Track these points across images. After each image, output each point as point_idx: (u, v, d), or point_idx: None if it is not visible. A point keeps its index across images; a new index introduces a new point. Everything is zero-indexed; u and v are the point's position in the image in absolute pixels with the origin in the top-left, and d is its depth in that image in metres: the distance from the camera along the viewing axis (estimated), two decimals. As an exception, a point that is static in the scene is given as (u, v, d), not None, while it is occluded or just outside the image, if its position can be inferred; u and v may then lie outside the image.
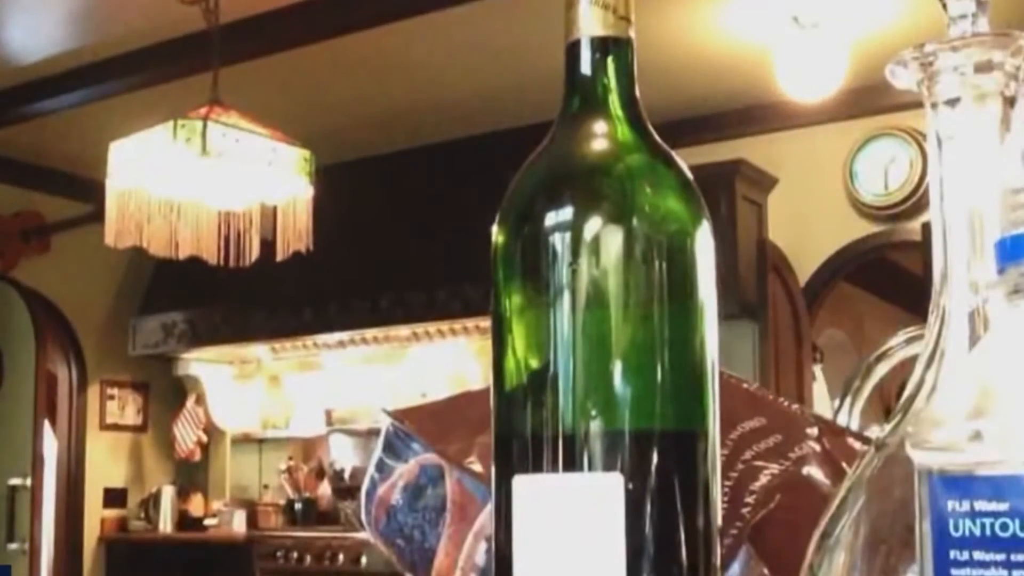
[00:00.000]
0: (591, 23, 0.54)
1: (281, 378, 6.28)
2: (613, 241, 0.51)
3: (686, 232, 0.53)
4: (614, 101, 0.55)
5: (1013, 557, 0.37)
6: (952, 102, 0.49)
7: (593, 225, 0.51)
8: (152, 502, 6.15)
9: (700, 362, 0.53)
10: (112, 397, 6.27)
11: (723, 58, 4.34)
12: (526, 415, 0.51)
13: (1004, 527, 0.38)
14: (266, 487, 6.20)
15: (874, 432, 0.51)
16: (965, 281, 0.48)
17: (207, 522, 6.07)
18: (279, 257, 3.62)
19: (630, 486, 0.49)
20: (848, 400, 1.05)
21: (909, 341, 0.99)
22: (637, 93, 0.55)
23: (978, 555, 0.38)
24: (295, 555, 5.22)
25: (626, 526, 0.48)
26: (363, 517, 0.74)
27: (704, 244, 0.53)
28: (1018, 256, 0.41)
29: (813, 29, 4.02)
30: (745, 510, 0.66)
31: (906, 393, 0.48)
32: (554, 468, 0.50)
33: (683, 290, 0.52)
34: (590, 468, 0.49)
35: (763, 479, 0.69)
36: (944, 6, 0.49)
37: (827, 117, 4.67)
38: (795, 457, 0.72)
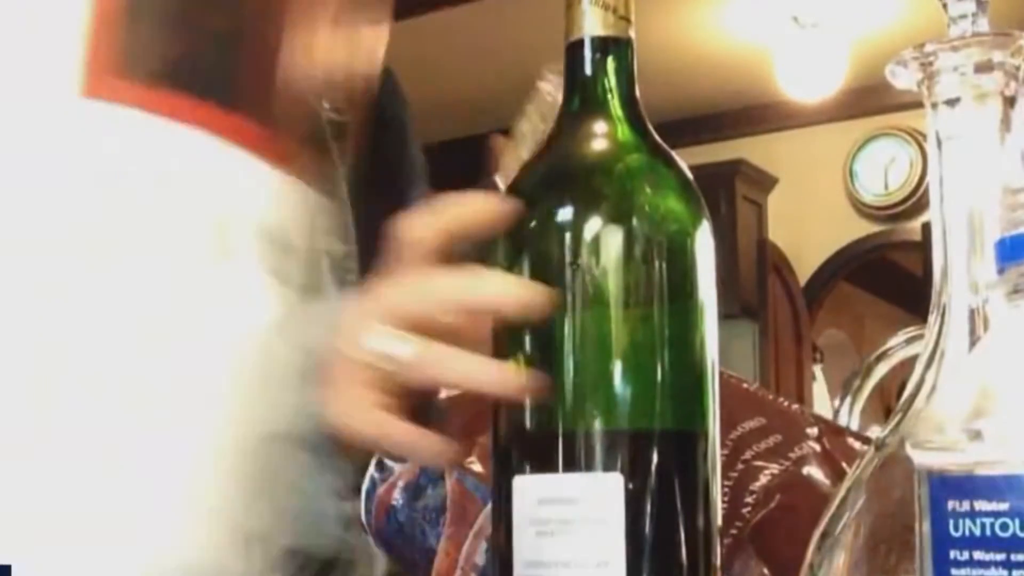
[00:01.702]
0: (592, 23, 0.54)
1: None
2: (613, 241, 0.51)
3: (686, 232, 0.53)
4: (614, 101, 0.55)
5: (1013, 557, 0.37)
6: (952, 102, 0.49)
7: (593, 225, 0.51)
8: (152, 502, 6.15)
9: (700, 362, 0.53)
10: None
11: (723, 58, 4.34)
12: (526, 415, 0.51)
13: (1004, 527, 0.38)
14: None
15: (874, 432, 0.51)
16: (965, 281, 0.48)
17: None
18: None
19: (630, 486, 0.49)
20: (848, 400, 1.05)
21: (909, 341, 0.99)
22: (637, 93, 0.55)
23: (978, 555, 0.38)
24: (295, 555, 5.22)
25: (626, 526, 0.48)
26: (363, 517, 0.74)
27: (704, 244, 0.53)
28: (1018, 256, 0.41)
29: (813, 29, 4.02)
30: (745, 510, 0.66)
31: (906, 393, 0.48)
32: (554, 468, 0.50)
33: (683, 290, 0.52)
34: (589, 468, 0.49)
35: (763, 479, 0.69)
36: (944, 6, 0.49)
37: (827, 117, 4.67)
38: (795, 457, 0.72)
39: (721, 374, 0.81)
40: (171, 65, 0.60)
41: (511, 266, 0.53)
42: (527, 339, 0.52)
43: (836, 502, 0.48)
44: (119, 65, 0.58)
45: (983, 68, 0.48)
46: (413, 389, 0.54)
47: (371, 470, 0.73)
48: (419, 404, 0.56)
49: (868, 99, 4.44)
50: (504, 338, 0.53)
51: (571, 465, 0.50)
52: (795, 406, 0.80)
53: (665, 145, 0.55)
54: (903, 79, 0.50)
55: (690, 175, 0.55)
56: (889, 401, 4.27)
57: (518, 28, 4.07)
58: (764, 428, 0.74)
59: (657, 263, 0.51)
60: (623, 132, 0.55)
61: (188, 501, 0.57)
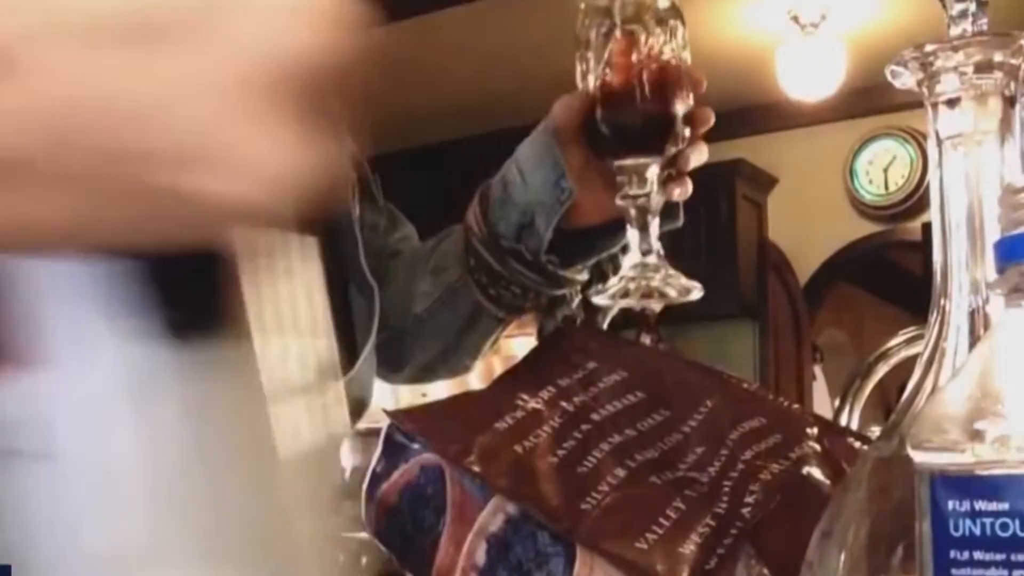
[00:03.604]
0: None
1: (281, 378, 6.27)
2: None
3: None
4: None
5: (1013, 557, 0.37)
6: (952, 102, 0.49)
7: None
8: (152, 502, 6.15)
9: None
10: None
11: (723, 58, 4.34)
12: None
13: (1004, 527, 0.38)
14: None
15: (874, 432, 0.51)
16: (965, 281, 0.48)
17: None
18: (279, 257, 3.60)
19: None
20: (848, 400, 1.05)
21: (909, 341, 0.99)
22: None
23: (978, 555, 0.38)
24: (295, 555, 5.21)
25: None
26: (363, 517, 0.74)
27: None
28: (1018, 256, 0.41)
29: (813, 29, 4.02)
30: (745, 510, 0.66)
31: (906, 393, 0.48)
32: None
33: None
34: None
35: (763, 479, 0.69)
36: (944, 6, 0.49)
37: (827, 117, 4.67)
38: (795, 457, 0.72)
39: (721, 374, 0.81)
40: None
41: None
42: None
43: (836, 502, 0.48)
44: None
45: (983, 68, 0.48)
46: None
47: (371, 470, 0.73)
48: None
49: (868, 99, 4.44)
50: None
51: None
52: (795, 406, 0.80)
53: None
54: (903, 79, 0.50)
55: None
56: (889, 401, 4.26)
57: (518, 28, 4.07)
58: (764, 428, 0.74)
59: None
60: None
61: None
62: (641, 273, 0.77)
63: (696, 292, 0.77)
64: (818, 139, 4.87)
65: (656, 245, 0.78)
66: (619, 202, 0.78)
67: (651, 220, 0.78)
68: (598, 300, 0.80)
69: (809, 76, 4.05)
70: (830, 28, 4.00)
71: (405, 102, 4.82)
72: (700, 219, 4.51)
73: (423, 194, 5.21)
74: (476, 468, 0.66)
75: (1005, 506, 0.38)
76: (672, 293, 0.76)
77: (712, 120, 0.80)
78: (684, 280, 0.77)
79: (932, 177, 0.50)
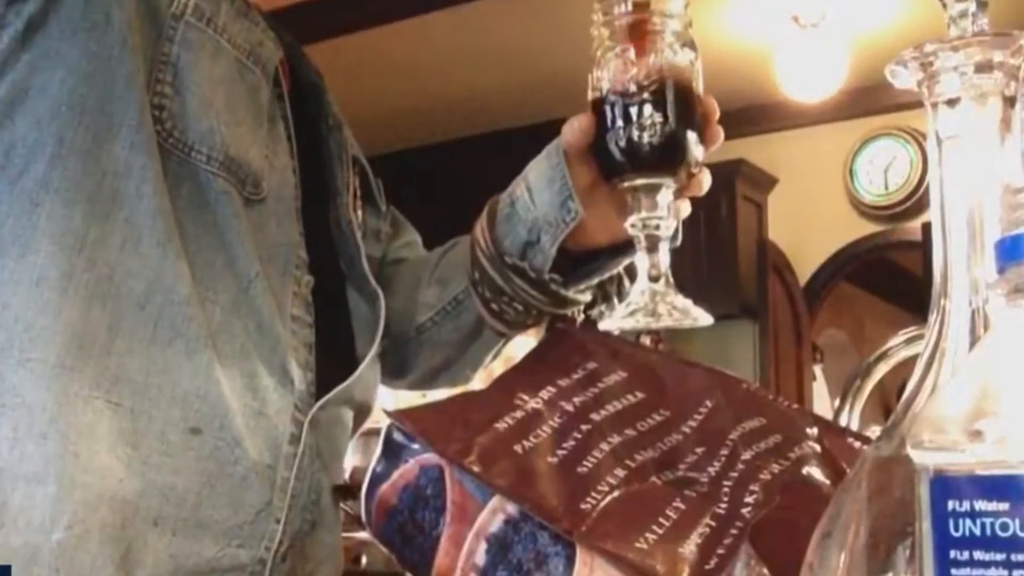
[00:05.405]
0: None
1: (281, 378, 6.26)
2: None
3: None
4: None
5: (1013, 557, 0.37)
6: (952, 102, 0.49)
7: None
8: (152, 502, 6.13)
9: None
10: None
11: (723, 58, 4.34)
12: None
13: (1004, 527, 0.38)
14: (266, 487, 6.18)
15: (874, 432, 0.51)
16: (965, 281, 0.47)
17: (207, 522, 6.05)
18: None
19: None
20: (848, 400, 1.05)
21: (909, 341, 0.99)
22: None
23: (978, 555, 0.38)
24: (295, 555, 5.20)
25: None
26: (363, 517, 0.74)
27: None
28: (1018, 256, 0.41)
29: (813, 29, 4.02)
30: (745, 510, 0.66)
31: (906, 393, 0.48)
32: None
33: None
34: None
35: (763, 479, 0.69)
36: (944, 6, 0.49)
37: (827, 117, 4.67)
38: (795, 457, 0.72)
39: (721, 374, 0.81)
40: None
41: None
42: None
43: (836, 502, 0.48)
44: None
45: (983, 68, 0.48)
46: None
47: (371, 470, 0.73)
48: None
49: (868, 99, 4.44)
50: None
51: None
52: (795, 406, 0.80)
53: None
54: (903, 79, 0.50)
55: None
56: (889, 401, 4.26)
57: (518, 28, 4.07)
58: (764, 428, 0.74)
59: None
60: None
61: None
62: (650, 300, 0.75)
63: (704, 319, 0.75)
64: (818, 139, 4.87)
65: (665, 270, 0.76)
66: (629, 227, 0.77)
67: (661, 246, 0.76)
68: (604, 326, 0.80)
69: (809, 76, 4.05)
70: (830, 28, 4.00)
71: (406, 102, 4.82)
72: (700, 219, 4.50)
73: (423, 193, 5.21)
74: (476, 468, 0.66)
75: (1005, 506, 0.38)
76: (680, 321, 0.75)
77: (721, 138, 0.79)
78: (693, 307, 0.76)
79: (932, 177, 0.50)
